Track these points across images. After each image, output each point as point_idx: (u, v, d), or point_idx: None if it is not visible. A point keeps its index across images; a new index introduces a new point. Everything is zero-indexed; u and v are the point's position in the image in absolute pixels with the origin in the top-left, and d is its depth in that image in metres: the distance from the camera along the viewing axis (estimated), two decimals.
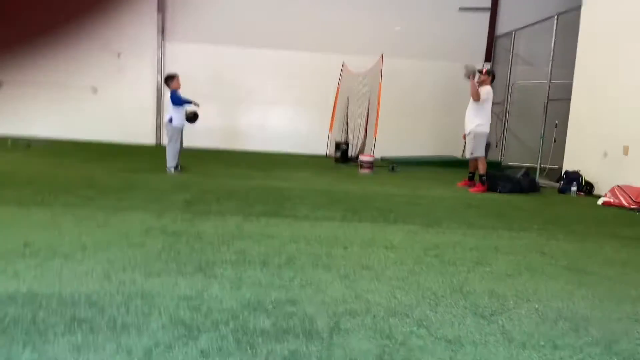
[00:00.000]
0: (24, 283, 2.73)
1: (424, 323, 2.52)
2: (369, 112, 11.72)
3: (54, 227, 4.00)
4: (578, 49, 9.05)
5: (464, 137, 8.60)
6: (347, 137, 12.37)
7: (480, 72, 8.21)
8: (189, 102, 8.07)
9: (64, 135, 12.97)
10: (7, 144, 10.85)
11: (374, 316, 2.56)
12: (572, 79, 9.17)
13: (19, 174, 6.91)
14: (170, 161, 8.04)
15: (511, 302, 2.92)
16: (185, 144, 8.51)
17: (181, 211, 4.96)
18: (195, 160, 9.82)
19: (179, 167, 8.13)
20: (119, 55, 13.14)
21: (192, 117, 8.14)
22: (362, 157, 10.26)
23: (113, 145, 12.57)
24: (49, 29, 12.94)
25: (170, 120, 8.03)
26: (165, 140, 8.75)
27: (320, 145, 13.20)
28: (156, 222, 4.41)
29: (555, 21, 9.86)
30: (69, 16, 12.93)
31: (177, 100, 7.96)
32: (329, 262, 3.50)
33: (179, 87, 8.12)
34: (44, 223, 4.15)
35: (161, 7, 12.99)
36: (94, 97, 13.19)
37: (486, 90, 7.91)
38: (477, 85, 7.89)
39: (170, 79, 8.14)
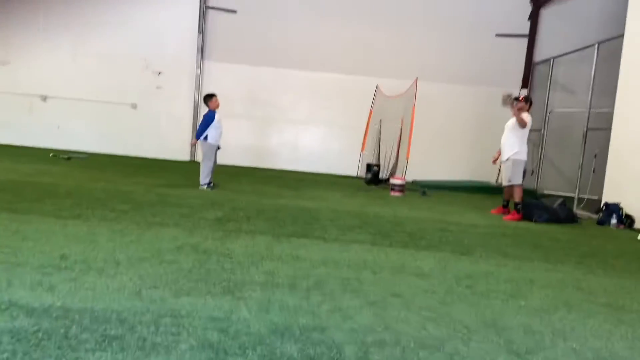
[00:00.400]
0: (59, 297, 2.78)
1: (455, 358, 2.44)
2: (402, 135, 11.68)
3: (89, 241, 4.09)
4: (620, 78, 8.82)
5: (494, 161, 8.49)
6: (378, 159, 12.34)
7: (517, 98, 8.09)
8: (199, 135, 8.15)
9: (103, 149, 13.37)
10: (49, 157, 11.23)
11: (404, 348, 2.50)
12: (612, 108, 8.93)
13: (59, 186, 7.13)
14: (204, 178, 8.16)
15: (547, 339, 2.81)
16: (219, 161, 8.64)
17: (212, 229, 5.00)
18: (228, 177, 9.95)
19: (212, 184, 8.25)
20: (159, 73, 13.53)
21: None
22: (393, 180, 10.20)
23: (149, 160, 12.87)
24: (93, 47, 13.46)
25: (206, 137, 8.18)
26: (199, 157, 8.91)
27: (352, 166, 13.18)
28: (188, 239, 4.46)
29: (596, 49, 9.66)
30: (115, 37, 13.44)
31: (205, 125, 8.11)
32: (358, 287, 3.46)
33: (217, 107, 8.28)
34: (81, 236, 4.25)
35: (202, 28, 13.36)
36: (133, 112, 13.58)
37: (529, 117, 7.80)
38: (518, 112, 7.75)
39: (208, 98, 8.32)
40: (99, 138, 13.52)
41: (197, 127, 8.28)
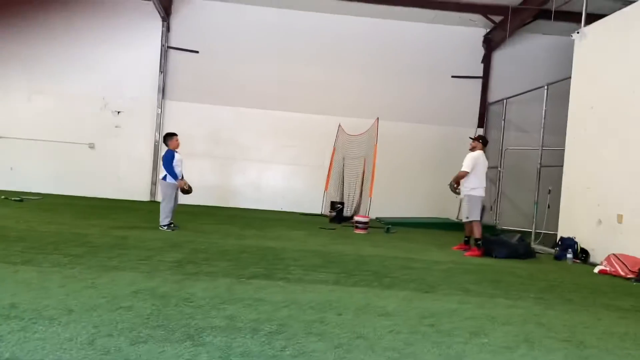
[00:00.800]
0: (7, 348, 2.62)
1: None
2: (365, 173, 11.84)
3: (41, 288, 3.90)
4: (569, 119, 9.26)
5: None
6: (342, 197, 12.41)
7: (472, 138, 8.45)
8: (175, 178, 8.00)
9: (58, 190, 12.96)
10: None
11: None
12: (564, 146, 9.33)
13: (9, 230, 6.83)
14: (164, 219, 7.99)
15: None
16: (180, 201, 8.49)
17: (172, 272, 4.87)
18: (190, 217, 9.77)
19: (173, 224, 8.07)
20: (118, 112, 13.36)
21: (185, 191, 8.16)
22: (357, 217, 10.26)
23: (107, 200, 12.53)
24: (49, 85, 13.20)
25: (165, 177, 8.05)
26: (159, 197, 8.74)
27: (316, 204, 13.21)
28: (146, 283, 4.31)
29: (546, 91, 10.16)
30: (73, 75, 13.24)
31: (167, 165, 7.98)
32: (322, 329, 3.41)
33: (177, 147, 8.20)
34: (31, 283, 4.04)
35: (163, 68, 13.36)
36: (91, 153, 13.28)
37: (470, 157, 8.09)
38: (458, 179, 8.11)
39: (168, 137, 8.25)
40: (54, 179, 13.10)
41: (165, 169, 8.06)
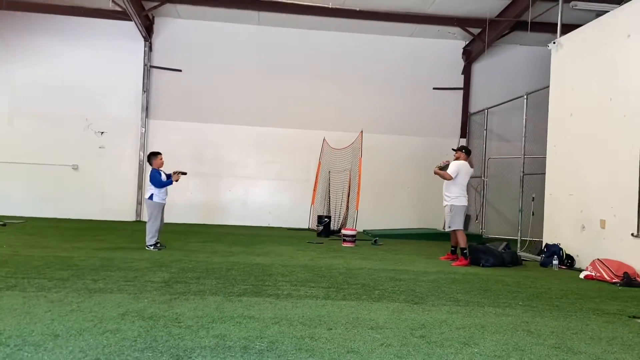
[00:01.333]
0: None
1: None
2: (350, 186, 11.88)
3: (25, 313, 3.83)
4: (549, 127, 9.42)
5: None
6: (329, 211, 12.42)
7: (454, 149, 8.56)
8: (169, 183, 8.05)
9: (42, 213, 12.79)
10: None
11: None
12: (545, 154, 9.46)
13: None
14: (150, 239, 7.91)
15: None
16: (166, 219, 8.43)
17: (159, 292, 4.81)
18: (176, 236, 9.69)
19: (159, 244, 8.00)
20: (102, 133, 13.28)
21: (183, 173, 8.20)
22: (344, 231, 10.26)
23: (92, 222, 12.38)
24: (30, 106, 13.09)
25: (151, 197, 8.00)
26: (145, 217, 8.66)
27: (303, 218, 13.20)
28: (133, 304, 4.26)
29: (525, 100, 10.33)
30: (54, 96, 13.14)
31: (157, 183, 7.96)
32: (313, 345, 3.39)
33: (161, 166, 8.16)
34: (16, 308, 3.97)
35: (146, 87, 13.33)
36: (75, 174, 13.15)
37: (454, 163, 8.20)
38: (440, 171, 8.23)
39: (153, 157, 8.20)
40: (38, 202, 12.93)
41: (156, 187, 8.01)
